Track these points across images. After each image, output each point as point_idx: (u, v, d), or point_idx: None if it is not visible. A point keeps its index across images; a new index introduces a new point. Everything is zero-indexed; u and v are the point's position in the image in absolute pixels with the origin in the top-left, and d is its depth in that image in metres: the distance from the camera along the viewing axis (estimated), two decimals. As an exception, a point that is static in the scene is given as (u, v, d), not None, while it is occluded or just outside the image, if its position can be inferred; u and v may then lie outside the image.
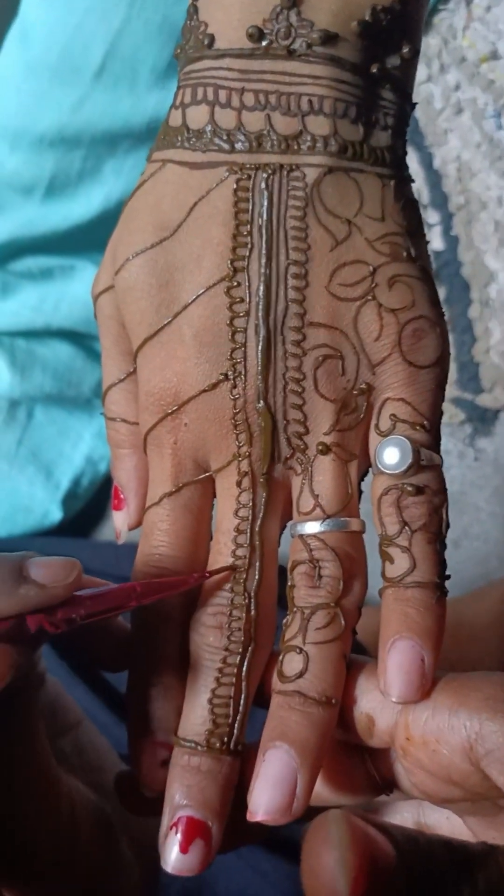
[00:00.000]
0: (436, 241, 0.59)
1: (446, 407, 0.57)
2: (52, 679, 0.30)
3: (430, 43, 0.57)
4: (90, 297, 0.33)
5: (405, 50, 0.29)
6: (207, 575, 0.28)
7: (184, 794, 0.27)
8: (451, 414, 0.62)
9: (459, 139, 0.58)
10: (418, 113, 0.58)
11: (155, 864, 0.27)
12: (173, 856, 0.27)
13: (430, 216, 0.60)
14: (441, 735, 0.25)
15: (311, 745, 0.26)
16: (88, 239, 0.61)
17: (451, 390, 0.60)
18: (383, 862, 0.18)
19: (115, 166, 0.58)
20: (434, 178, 0.59)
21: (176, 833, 0.27)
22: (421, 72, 0.57)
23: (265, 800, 0.26)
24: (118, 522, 0.33)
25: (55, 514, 0.70)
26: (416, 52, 0.29)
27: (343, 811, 0.18)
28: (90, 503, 0.74)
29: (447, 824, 0.31)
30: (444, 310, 0.30)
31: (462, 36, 0.56)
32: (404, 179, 0.29)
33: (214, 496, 0.30)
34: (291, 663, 0.27)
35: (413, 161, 0.59)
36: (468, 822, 0.29)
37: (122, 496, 0.33)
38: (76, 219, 0.60)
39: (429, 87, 0.58)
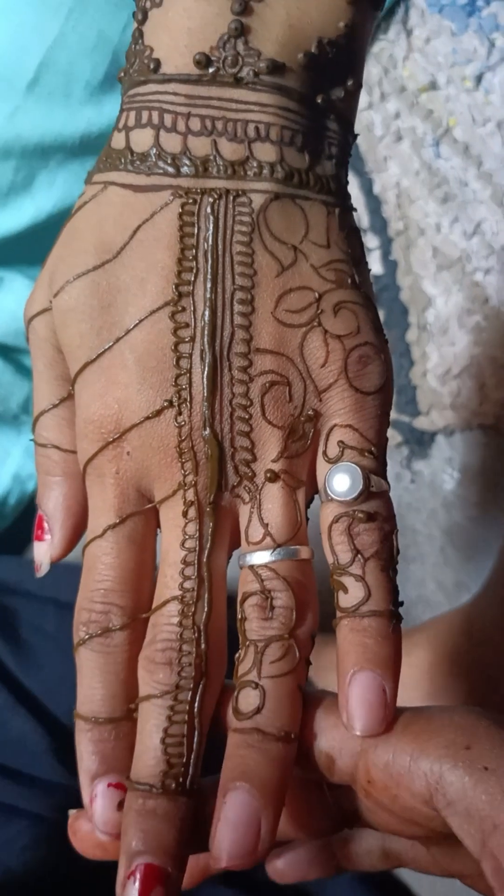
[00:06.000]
0: (375, 266, 0.60)
1: (387, 430, 0.58)
2: None
3: (371, 71, 0.58)
4: (18, 309, 0.31)
5: (349, 83, 0.29)
6: None
7: (140, 840, 0.26)
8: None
9: (399, 166, 0.59)
10: (359, 139, 0.59)
11: None
12: None
13: (370, 241, 0.60)
14: (402, 781, 0.25)
15: (273, 783, 0.25)
16: (18, 251, 0.60)
17: (391, 413, 0.61)
18: None
19: (47, 179, 0.57)
20: (374, 203, 0.60)
21: (134, 882, 0.25)
22: (362, 99, 0.57)
23: (228, 844, 0.25)
24: (40, 554, 0.31)
25: (-17, 535, 0.67)
26: (359, 86, 0.30)
27: None
28: (17, 522, 0.72)
29: (412, 851, 0.31)
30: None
31: (402, 66, 0.57)
32: (347, 208, 0.29)
33: (158, 526, 0.29)
34: (247, 699, 0.27)
35: (354, 186, 0.60)
36: (432, 851, 0.29)
37: (45, 526, 0.31)
38: (5, 231, 0.58)
39: (370, 115, 0.58)
